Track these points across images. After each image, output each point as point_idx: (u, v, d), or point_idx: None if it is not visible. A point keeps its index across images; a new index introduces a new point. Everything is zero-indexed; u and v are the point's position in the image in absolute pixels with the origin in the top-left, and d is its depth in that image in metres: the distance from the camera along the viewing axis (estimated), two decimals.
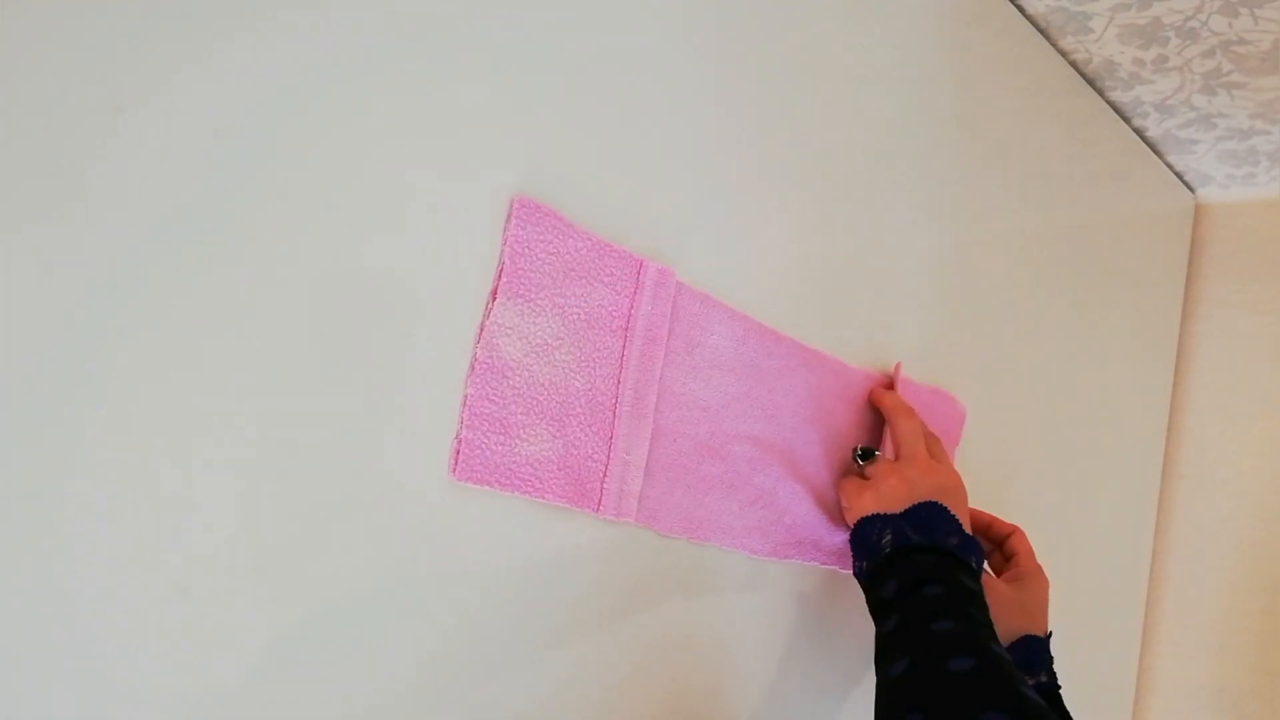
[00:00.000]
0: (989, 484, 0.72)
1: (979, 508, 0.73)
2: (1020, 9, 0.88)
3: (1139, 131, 1.07)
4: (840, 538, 0.71)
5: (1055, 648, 0.72)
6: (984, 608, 0.58)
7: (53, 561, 0.37)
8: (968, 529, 0.64)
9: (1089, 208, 1.00)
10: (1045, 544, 0.95)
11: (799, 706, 0.70)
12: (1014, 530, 0.75)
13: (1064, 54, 0.94)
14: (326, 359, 0.45)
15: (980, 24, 0.83)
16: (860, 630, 0.75)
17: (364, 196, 0.45)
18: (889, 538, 0.61)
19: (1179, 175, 1.16)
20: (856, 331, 0.73)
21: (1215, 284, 1.17)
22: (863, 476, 0.68)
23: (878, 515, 0.63)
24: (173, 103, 0.40)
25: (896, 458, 0.68)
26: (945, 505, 0.62)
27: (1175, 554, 1.14)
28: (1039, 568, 0.73)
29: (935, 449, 0.69)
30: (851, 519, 0.65)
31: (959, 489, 0.66)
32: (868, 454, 0.69)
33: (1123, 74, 0.96)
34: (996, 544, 0.75)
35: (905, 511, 0.62)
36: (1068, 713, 0.66)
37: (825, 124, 0.69)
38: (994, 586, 0.69)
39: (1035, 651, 0.68)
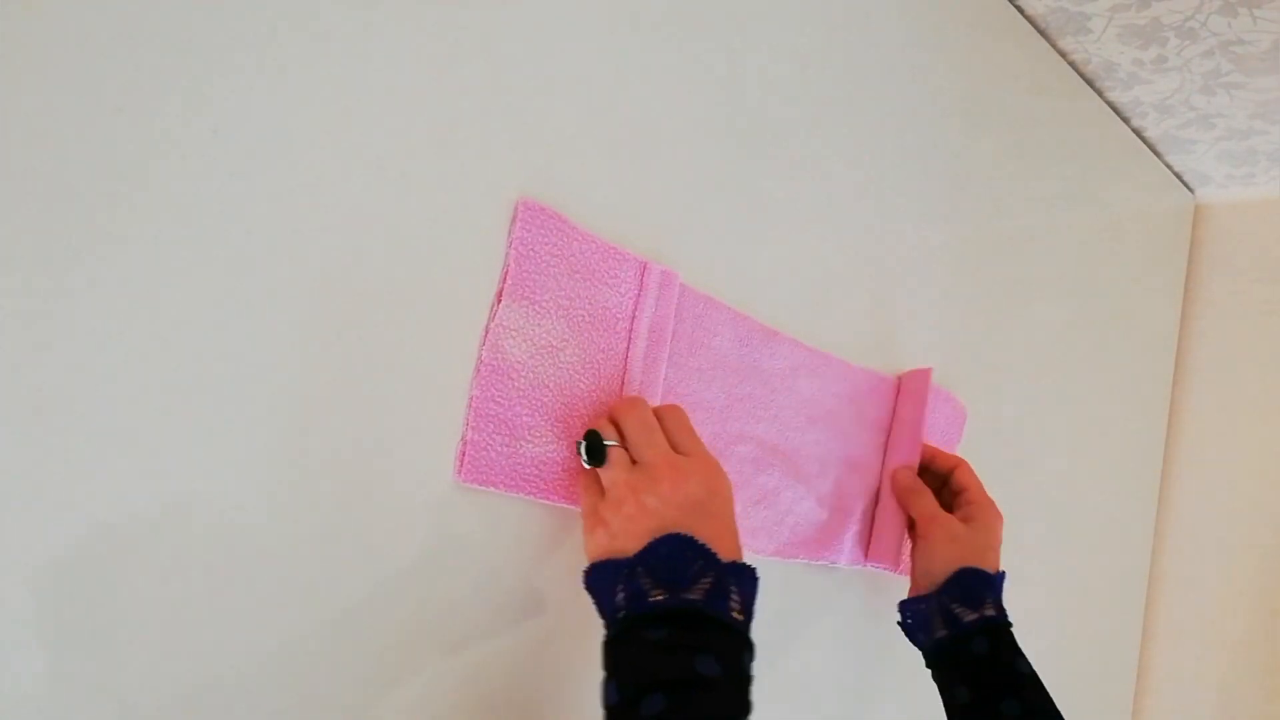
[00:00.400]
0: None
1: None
2: (1020, 9, 0.88)
3: (1138, 131, 1.07)
4: (845, 537, 0.71)
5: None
6: (737, 685, 0.46)
7: (53, 564, 0.37)
8: (730, 538, 0.50)
9: (1089, 208, 1.00)
10: (1046, 544, 0.95)
11: (800, 705, 0.70)
12: (958, 463, 0.73)
13: (1063, 54, 0.94)
14: (331, 361, 0.44)
15: (980, 24, 0.83)
16: (861, 630, 0.75)
17: (368, 198, 0.45)
18: (622, 596, 0.47)
19: (1178, 175, 1.16)
20: (858, 332, 0.72)
21: (1215, 284, 1.17)
22: (599, 485, 0.52)
23: (608, 562, 0.48)
24: (173, 103, 0.39)
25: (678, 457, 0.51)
26: (692, 534, 0.48)
27: (1175, 554, 1.14)
28: (989, 501, 0.70)
29: (682, 436, 0.52)
30: (588, 555, 0.50)
31: (715, 493, 0.51)
32: (595, 450, 0.51)
33: (1122, 74, 0.96)
34: (942, 479, 0.73)
35: (641, 552, 0.47)
36: (1018, 648, 0.64)
37: (826, 126, 0.69)
38: (946, 522, 0.68)
39: (978, 584, 0.65)
